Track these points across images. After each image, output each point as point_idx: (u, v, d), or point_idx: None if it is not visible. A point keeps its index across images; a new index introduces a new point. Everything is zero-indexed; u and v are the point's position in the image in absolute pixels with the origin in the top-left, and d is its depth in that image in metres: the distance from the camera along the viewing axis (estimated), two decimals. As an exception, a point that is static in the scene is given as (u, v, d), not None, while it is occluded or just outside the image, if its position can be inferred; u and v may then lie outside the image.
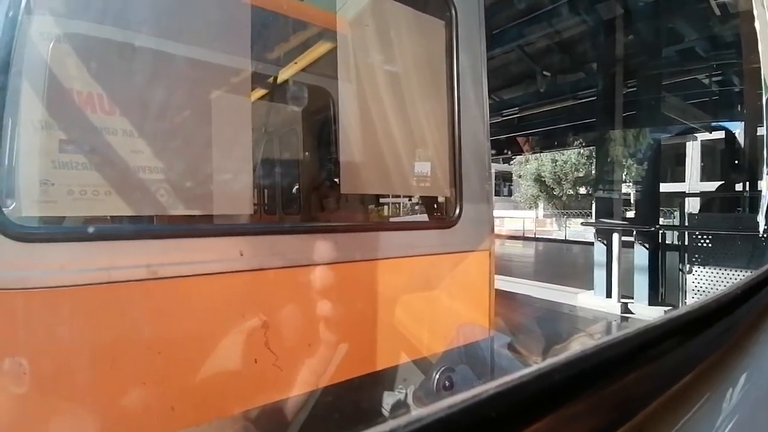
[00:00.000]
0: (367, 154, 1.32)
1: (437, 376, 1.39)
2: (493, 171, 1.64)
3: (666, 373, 0.44)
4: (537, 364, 0.36)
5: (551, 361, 0.38)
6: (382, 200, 3.60)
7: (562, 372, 0.37)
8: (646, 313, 5.34)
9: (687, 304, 4.89)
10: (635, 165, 6.13)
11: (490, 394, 0.32)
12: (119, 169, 0.89)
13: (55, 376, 0.80)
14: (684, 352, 0.46)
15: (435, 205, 1.74)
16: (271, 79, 2.55)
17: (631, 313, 5.52)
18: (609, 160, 6.28)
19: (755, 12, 0.79)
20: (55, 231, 0.86)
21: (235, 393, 1.00)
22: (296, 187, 3.08)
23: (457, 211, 1.45)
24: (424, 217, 1.85)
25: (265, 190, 3.38)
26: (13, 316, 0.78)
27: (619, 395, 0.39)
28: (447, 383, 1.40)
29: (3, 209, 0.76)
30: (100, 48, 0.90)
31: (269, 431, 1.12)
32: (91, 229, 0.86)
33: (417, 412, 0.29)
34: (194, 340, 0.94)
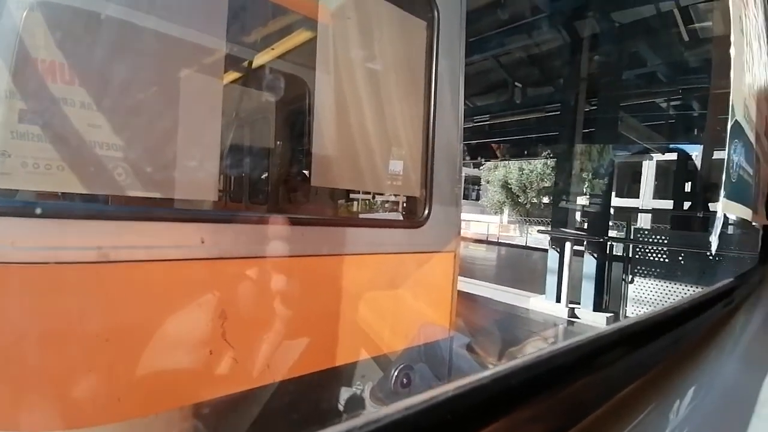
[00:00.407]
0: (340, 149, 1.30)
1: (396, 374, 1.40)
2: (463, 174, 1.66)
3: (615, 380, 0.46)
4: (492, 368, 0.37)
5: (506, 365, 0.39)
6: (351, 196, 3.58)
7: (517, 376, 0.38)
8: (590, 318, 5.71)
9: (626, 311, 5.26)
10: (591, 179, 6.47)
11: (446, 396, 0.33)
12: (74, 143, 0.84)
13: None
14: (632, 360, 0.48)
15: (404, 204, 1.75)
16: (246, 63, 2.46)
17: (577, 317, 5.86)
18: (568, 172, 6.58)
19: (732, 38, 0.83)
20: (7, 205, 0.80)
21: (186, 385, 0.96)
22: (265, 176, 3.00)
23: (426, 211, 1.46)
24: (393, 216, 1.86)
25: (232, 178, 3.27)
26: None
27: (570, 400, 0.41)
28: (405, 381, 1.41)
29: None
30: (69, 16, 0.84)
31: (221, 425, 1.09)
32: (43, 205, 0.80)
33: (373, 414, 0.29)
34: (146, 328, 0.89)
